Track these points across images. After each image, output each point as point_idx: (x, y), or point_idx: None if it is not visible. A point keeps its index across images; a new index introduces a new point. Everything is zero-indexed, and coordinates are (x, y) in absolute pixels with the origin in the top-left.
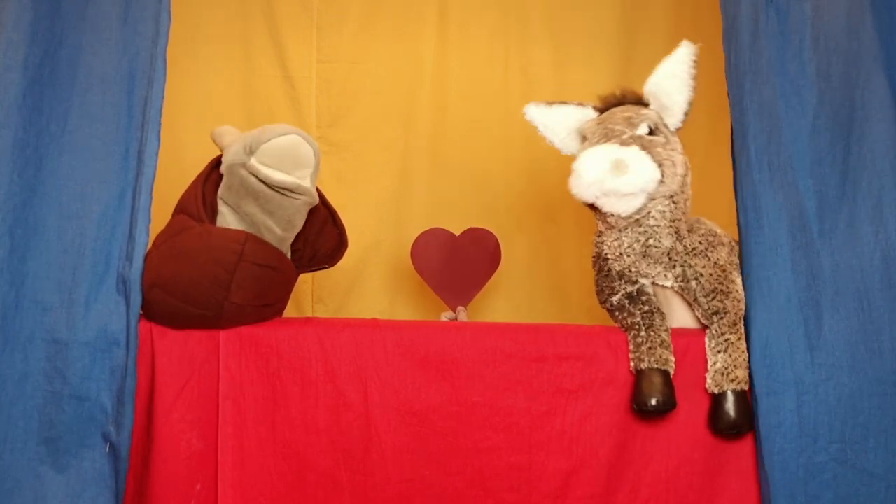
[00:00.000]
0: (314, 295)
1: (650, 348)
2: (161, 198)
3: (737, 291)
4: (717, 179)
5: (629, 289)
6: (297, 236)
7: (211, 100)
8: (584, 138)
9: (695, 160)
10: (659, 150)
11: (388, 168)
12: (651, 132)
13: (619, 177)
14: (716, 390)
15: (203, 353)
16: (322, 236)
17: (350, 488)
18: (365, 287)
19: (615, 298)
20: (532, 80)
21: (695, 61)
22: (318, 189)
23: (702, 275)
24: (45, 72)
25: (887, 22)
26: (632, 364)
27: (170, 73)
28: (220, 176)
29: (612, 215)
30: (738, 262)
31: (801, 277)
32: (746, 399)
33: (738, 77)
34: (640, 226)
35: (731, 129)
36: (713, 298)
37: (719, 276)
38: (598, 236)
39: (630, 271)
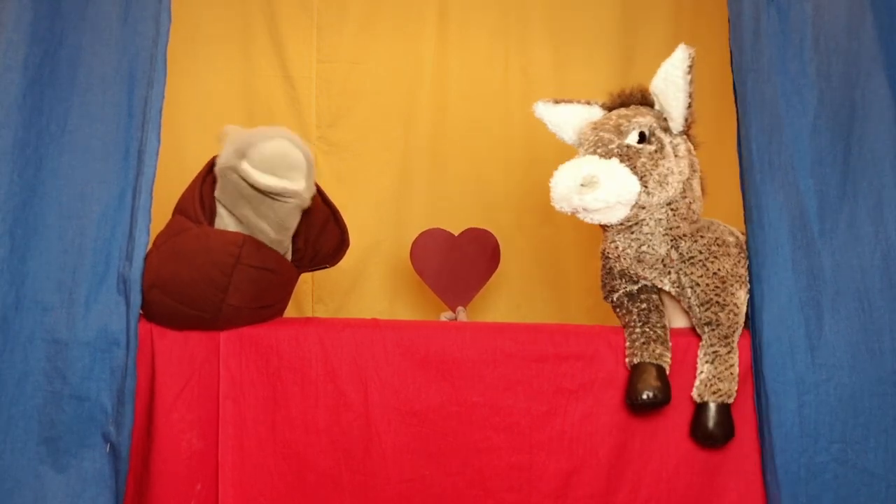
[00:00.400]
0: (314, 295)
1: (644, 343)
2: (161, 198)
3: (734, 304)
4: (719, 179)
5: (630, 287)
6: (299, 236)
7: (211, 100)
8: (580, 143)
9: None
10: (644, 160)
11: (388, 168)
12: (643, 139)
13: (587, 193)
14: (698, 400)
15: (203, 352)
16: (324, 235)
17: (350, 488)
18: (365, 287)
19: (616, 296)
20: (532, 80)
21: (690, 66)
22: (320, 188)
23: (697, 284)
24: (45, 72)
25: (887, 22)
26: (626, 360)
27: (170, 73)
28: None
29: None
30: (745, 273)
31: (801, 277)
32: (728, 412)
33: (741, 75)
34: (633, 233)
35: (737, 127)
36: (707, 309)
37: (717, 286)
38: (604, 233)
39: (630, 271)
